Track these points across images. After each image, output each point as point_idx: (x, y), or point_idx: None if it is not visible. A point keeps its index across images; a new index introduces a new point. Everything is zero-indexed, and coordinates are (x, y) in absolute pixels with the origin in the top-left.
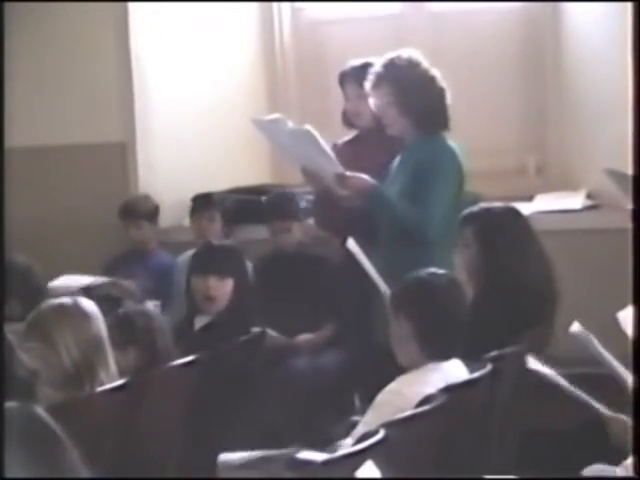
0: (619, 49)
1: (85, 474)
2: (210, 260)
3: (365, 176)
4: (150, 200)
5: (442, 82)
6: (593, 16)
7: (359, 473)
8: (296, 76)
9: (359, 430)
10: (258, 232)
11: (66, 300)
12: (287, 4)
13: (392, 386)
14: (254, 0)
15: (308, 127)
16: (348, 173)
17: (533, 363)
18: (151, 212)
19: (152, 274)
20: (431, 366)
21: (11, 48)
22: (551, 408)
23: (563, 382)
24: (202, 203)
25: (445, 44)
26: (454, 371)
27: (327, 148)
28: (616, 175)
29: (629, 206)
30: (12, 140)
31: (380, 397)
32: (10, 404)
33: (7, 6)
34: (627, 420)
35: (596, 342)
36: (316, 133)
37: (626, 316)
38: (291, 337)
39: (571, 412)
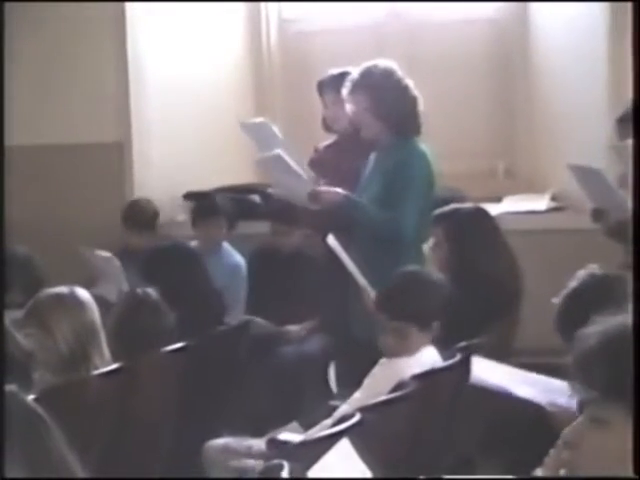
0: (586, 60)
1: (70, 456)
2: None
3: (337, 189)
4: (151, 205)
5: (415, 91)
6: (560, 27)
7: (335, 450)
8: (282, 83)
9: (355, 397)
10: (253, 228)
11: (62, 289)
12: (275, 17)
13: (390, 361)
14: (243, 0)
15: (278, 151)
16: (321, 189)
17: (477, 370)
18: (152, 218)
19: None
20: (424, 349)
21: (10, 49)
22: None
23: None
24: (207, 208)
25: (421, 54)
26: (434, 352)
27: (298, 169)
28: (578, 170)
29: (589, 206)
30: (11, 139)
31: (376, 369)
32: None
33: (8, 8)
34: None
35: None
36: (285, 156)
37: None
38: (278, 326)
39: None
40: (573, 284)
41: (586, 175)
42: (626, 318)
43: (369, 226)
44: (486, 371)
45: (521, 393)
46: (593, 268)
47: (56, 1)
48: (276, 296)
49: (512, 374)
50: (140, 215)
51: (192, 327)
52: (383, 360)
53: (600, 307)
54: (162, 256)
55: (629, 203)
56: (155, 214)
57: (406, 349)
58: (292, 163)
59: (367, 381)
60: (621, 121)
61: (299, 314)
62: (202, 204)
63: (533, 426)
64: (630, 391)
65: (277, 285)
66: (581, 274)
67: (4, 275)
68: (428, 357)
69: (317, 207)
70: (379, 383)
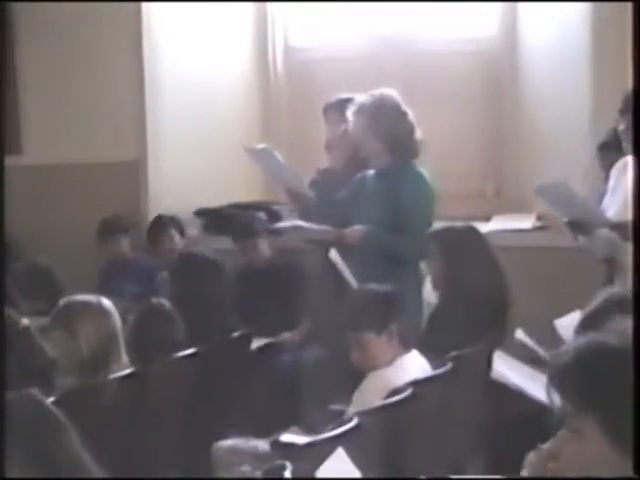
0: (569, 89)
1: (86, 457)
2: None
3: (358, 227)
4: (128, 218)
5: (412, 119)
6: (545, 59)
7: (330, 461)
8: (287, 108)
9: (350, 411)
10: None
11: (90, 297)
12: (281, 45)
13: (375, 374)
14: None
15: (298, 223)
16: (344, 230)
17: (498, 365)
18: (127, 227)
19: (138, 279)
20: (406, 357)
21: (30, 71)
22: (499, 403)
23: (515, 381)
24: (160, 225)
25: (417, 82)
26: (419, 360)
27: (317, 227)
28: (545, 189)
29: (565, 219)
30: (34, 158)
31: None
32: (13, 393)
33: (26, 30)
34: None
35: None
36: (304, 224)
37: (563, 323)
38: (273, 336)
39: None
40: None
41: (554, 191)
42: (598, 336)
43: (385, 251)
44: (507, 369)
45: (538, 395)
46: None
47: (69, 1)
48: (264, 307)
49: (532, 376)
50: (116, 225)
51: (208, 332)
52: (369, 374)
53: None
54: (191, 263)
55: (601, 211)
56: (130, 223)
57: (377, 358)
58: (313, 227)
59: (356, 396)
60: (601, 149)
61: (290, 322)
62: (155, 224)
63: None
64: (604, 405)
65: (263, 297)
66: None
67: (4, 278)
68: (412, 363)
69: (341, 245)
70: (368, 397)
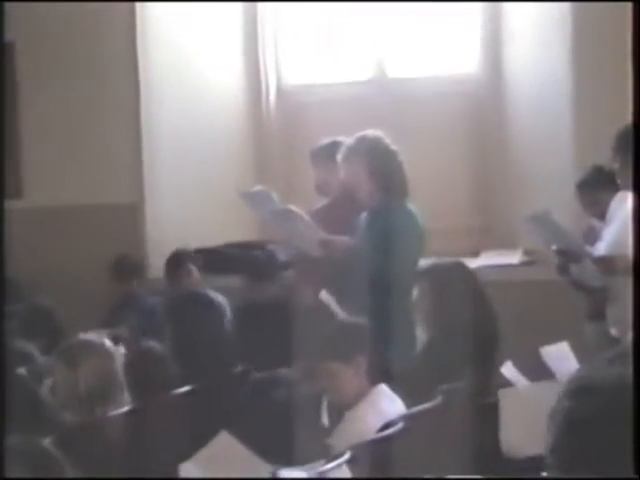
0: (553, 129)
1: None
2: None
3: (345, 238)
4: (137, 258)
5: (401, 157)
6: (530, 98)
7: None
8: (280, 149)
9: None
10: (233, 281)
11: (94, 337)
12: (273, 87)
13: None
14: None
15: (291, 207)
16: (332, 237)
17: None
18: (139, 268)
19: (144, 314)
20: (375, 392)
21: (31, 116)
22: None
23: None
24: (179, 259)
25: (407, 123)
26: (388, 394)
27: (309, 220)
28: (535, 219)
29: (555, 261)
30: (36, 201)
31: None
32: (17, 439)
33: (27, 76)
34: None
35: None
36: (298, 210)
37: (550, 351)
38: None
39: None
40: None
41: (539, 220)
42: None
43: (372, 272)
44: None
45: None
46: None
47: None
48: (263, 344)
49: None
50: (129, 265)
51: (204, 371)
52: (346, 415)
53: None
54: (184, 303)
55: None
56: (140, 265)
57: (343, 391)
58: (304, 215)
59: (334, 439)
60: (580, 187)
61: (287, 359)
62: (174, 258)
63: None
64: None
65: (263, 333)
66: None
67: (4, 293)
68: (384, 399)
69: (325, 253)
70: (348, 436)
